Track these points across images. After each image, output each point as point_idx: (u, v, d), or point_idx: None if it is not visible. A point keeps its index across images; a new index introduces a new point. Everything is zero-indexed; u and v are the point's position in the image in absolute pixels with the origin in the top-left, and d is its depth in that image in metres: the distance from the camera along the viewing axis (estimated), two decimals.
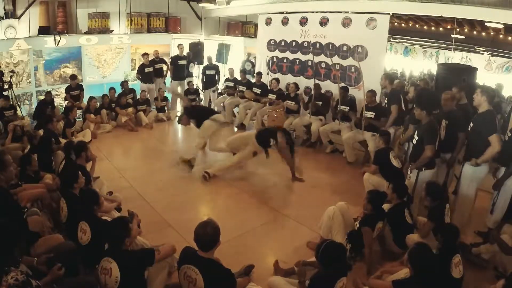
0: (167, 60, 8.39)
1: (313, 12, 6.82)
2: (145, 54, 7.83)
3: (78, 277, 2.44)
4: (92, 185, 3.77)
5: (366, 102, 5.49)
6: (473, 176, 3.55)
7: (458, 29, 9.80)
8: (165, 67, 8.15)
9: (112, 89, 7.50)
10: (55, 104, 7.20)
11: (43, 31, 7.28)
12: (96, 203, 2.89)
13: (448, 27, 10.33)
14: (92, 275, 2.42)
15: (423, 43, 13.72)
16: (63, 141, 5.47)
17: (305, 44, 6.98)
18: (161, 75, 8.15)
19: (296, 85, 6.67)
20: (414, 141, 3.75)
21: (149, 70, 7.89)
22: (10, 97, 6.12)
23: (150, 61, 7.89)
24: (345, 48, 6.38)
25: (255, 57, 8.39)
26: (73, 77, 7.17)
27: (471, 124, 3.55)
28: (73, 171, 3.38)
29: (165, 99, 8.01)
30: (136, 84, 8.25)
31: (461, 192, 3.68)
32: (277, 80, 7.05)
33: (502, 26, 7.91)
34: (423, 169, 3.62)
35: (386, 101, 5.55)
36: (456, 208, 3.73)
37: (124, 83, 7.74)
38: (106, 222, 2.85)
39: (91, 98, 6.94)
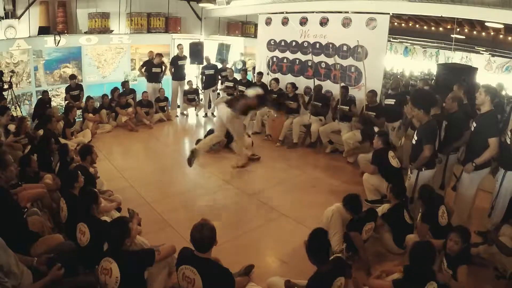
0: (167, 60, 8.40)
1: (313, 12, 6.82)
2: (159, 54, 7.78)
3: (78, 277, 2.44)
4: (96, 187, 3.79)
5: (367, 102, 5.51)
6: (473, 177, 3.54)
7: (458, 29, 9.81)
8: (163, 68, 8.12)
9: (116, 89, 7.57)
10: (55, 104, 7.22)
11: (43, 31, 7.27)
12: (95, 202, 2.88)
13: (448, 27, 10.34)
14: (92, 275, 2.42)
15: (423, 43, 13.72)
16: (63, 141, 5.48)
17: (305, 44, 6.99)
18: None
19: (293, 85, 6.66)
20: (414, 141, 3.75)
21: (157, 71, 7.88)
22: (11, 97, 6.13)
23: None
24: (345, 48, 6.39)
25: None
26: (72, 76, 7.17)
27: (474, 124, 3.55)
28: (73, 171, 3.39)
29: (165, 99, 8.02)
30: (136, 84, 8.26)
31: (460, 191, 3.68)
32: (277, 80, 7.05)
33: (502, 26, 7.92)
34: (423, 169, 3.62)
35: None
36: (455, 208, 3.73)
37: (125, 83, 7.74)
38: (106, 222, 2.85)
39: (88, 98, 6.96)
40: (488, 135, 3.34)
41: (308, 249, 2.38)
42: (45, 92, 6.79)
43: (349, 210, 3.19)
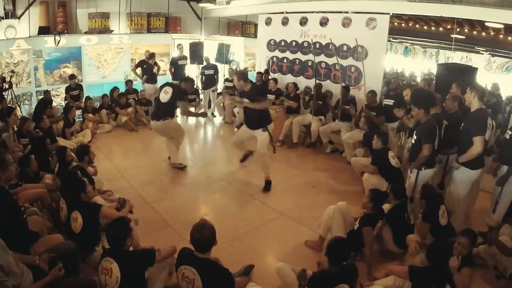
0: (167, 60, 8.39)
1: (313, 12, 6.82)
2: (152, 54, 7.68)
3: (78, 277, 2.44)
4: (94, 187, 3.79)
5: (367, 102, 5.51)
6: (462, 177, 3.51)
7: (458, 29, 9.79)
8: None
9: (115, 89, 7.55)
10: (55, 104, 7.22)
11: (43, 31, 7.27)
12: (83, 191, 2.93)
13: (448, 27, 10.32)
14: (92, 275, 2.43)
15: (423, 43, 13.71)
16: (63, 141, 5.48)
17: (305, 44, 6.99)
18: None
19: (295, 84, 6.68)
20: (413, 141, 3.75)
21: (155, 71, 7.88)
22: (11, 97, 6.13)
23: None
24: (345, 48, 6.38)
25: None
26: (72, 76, 7.16)
27: (462, 124, 3.53)
28: (73, 171, 3.39)
29: None
30: (135, 84, 8.23)
31: (451, 192, 3.66)
32: (275, 80, 7.05)
33: (502, 26, 7.90)
34: (423, 168, 3.61)
35: None
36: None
37: (128, 82, 7.68)
38: (97, 204, 2.96)
39: (87, 98, 6.96)
40: (474, 133, 3.32)
41: (328, 256, 2.39)
42: (46, 92, 6.78)
43: (372, 202, 3.19)
